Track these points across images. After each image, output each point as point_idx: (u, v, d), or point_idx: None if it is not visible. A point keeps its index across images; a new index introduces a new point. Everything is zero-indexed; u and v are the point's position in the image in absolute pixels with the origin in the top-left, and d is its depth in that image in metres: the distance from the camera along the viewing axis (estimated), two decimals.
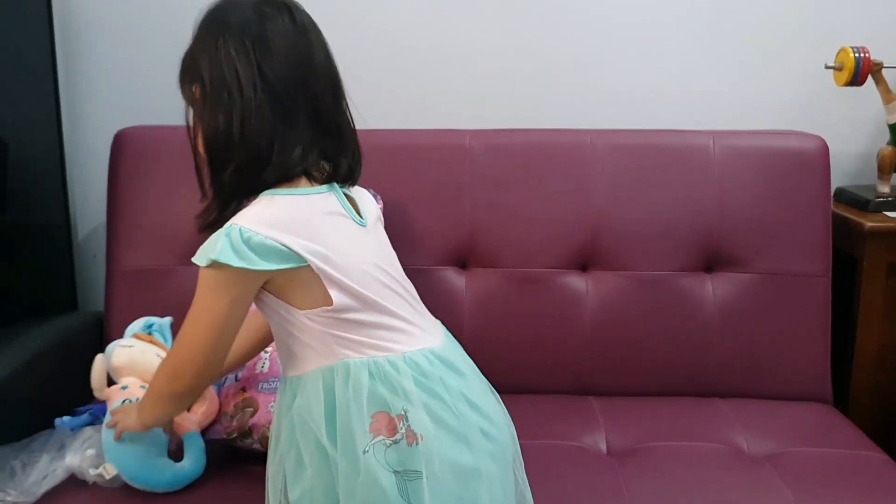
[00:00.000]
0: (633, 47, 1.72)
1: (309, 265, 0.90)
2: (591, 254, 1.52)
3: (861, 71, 1.56)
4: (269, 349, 1.23)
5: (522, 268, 1.52)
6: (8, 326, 1.49)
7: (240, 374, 1.26)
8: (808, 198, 1.51)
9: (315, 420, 0.91)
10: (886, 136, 1.65)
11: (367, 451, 0.88)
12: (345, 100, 0.99)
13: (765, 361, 1.49)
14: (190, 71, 0.96)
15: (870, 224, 1.53)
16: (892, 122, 1.62)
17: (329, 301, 0.91)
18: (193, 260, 0.91)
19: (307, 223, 0.93)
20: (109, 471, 1.14)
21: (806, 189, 1.51)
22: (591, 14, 1.71)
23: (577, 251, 1.52)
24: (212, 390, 1.24)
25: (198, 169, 0.98)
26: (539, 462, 1.16)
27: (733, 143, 1.54)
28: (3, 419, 1.28)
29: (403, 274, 1.02)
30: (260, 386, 1.24)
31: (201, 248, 0.90)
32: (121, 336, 1.30)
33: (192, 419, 1.19)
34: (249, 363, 1.24)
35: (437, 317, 1.05)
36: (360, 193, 1.05)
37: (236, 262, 0.87)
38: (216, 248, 0.88)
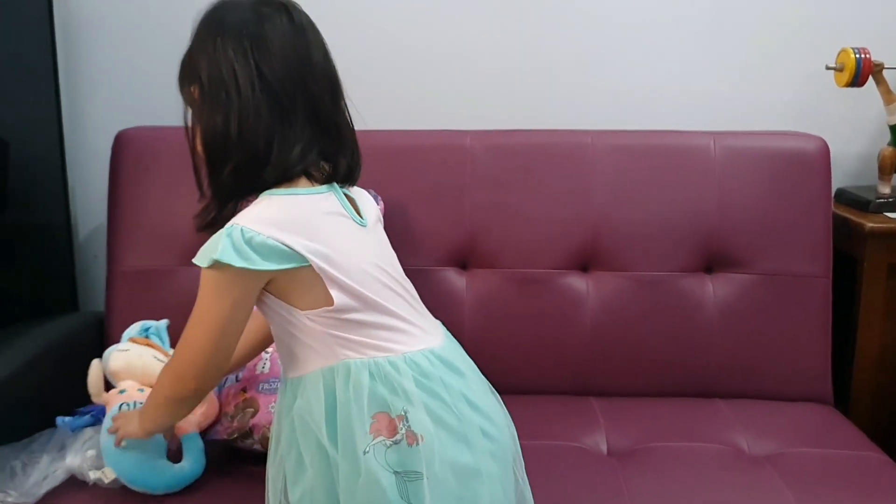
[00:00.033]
0: (634, 48, 1.72)
1: (310, 265, 0.90)
2: (591, 254, 1.52)
3: (862, 72, 1.56)
4: (269, 350, 1.24)
5: (523, 268, 1.52)
6: (8, 326, 1.49)
7: (240, 375, 1.26)
8: (808, 198, 1.50)
9: (315, 421, 0.91)
10: (887, 136, 1.65)
11: (368, 452, 0.88)
12: (343, 99, 0.99)
13: (765, 362, 1.49)
14: (188, 71, 0.96)
15: (870, 225, 1.53)
16: (892, 122, 1.62)
17: (330, 301, 0.91)
18: (194, 261, 0.90)
19: (308, 223, 0.93)
20: (109, 475, 1.14)
21: (806, 190, 1.51)
22: (592, 14, 1.71)
23: (578, 252, 1.52)
24: (211, 391, 1.24)
25: (196, 169, 0.98)
26: (539, 462, 1.16)
27: (734, 144, 1.54)
28: (3, 419, 1.28)
29: (403, 274, 1.02)
30: (260, 386, 1.24)
31: (202, 248, 0.90)
32: (120, 337, 1.30)
33: (192, 420, 1.19)
34: (250, 364, 1.24)
35: (437, 317, 1.05)
36: (359, 194, 1.05)
37: (238, 262, 0.87)
38: (218, 248, 0.88)
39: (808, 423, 1.42)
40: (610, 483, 1.22)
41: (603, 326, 1.50)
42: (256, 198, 0.94)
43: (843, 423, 1.44)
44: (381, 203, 1.45)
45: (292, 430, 0.94)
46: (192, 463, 1.16)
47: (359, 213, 1.00)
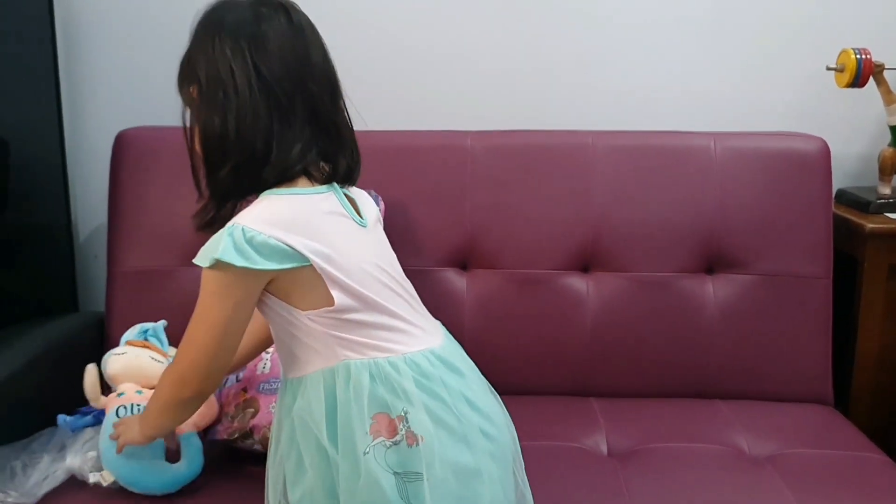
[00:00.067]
0: (635, 48, 1.72)
1: (311, 265, 0.90)
2: (591, 255, 1.52)
3: (862, 72, 1.56)
4: (269, 350, 1.24)
5: (523, 269, 1.52)
6: (9, 327, 1.49)
7: (241, 375, 1.26)
8: (809, 199, 1.50)
9: (316, 421, 0.91)
10: (887, 137, 1.65)
11: (368, 453, 0.88)
12: (342, 99, 1.00)
13: (765, 363, 1.49)
14: (187, 72, 0.96)
15: (871, 225, 1.53)
16: (893, 123, 1.62)
17: (331, 301, 0.91)
18: (195, 261, 0.90)
19: (308, 223, 0.93)
20: (107, 477, 1.14)
21: (807, 190, 1.51)
22: (593, 15, 1.71)
23: (578, 252, 1.52)
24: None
25: (194, 169, 0.98)
26: (540, 463, 1.16)
27: (734, 145, 1.54)
28: (3, 419, 1.28)
29: (403, 274, 1.02)
30: (261, 387, 1.24)
31: (203, 248, 0.90)
32: (120, 339, 1.30)
33: (189, 420, 1.18)
34: (250, 364, 1.24)
35: (437, 318, 1.05)
36: (359, 194, 1.05)
37: (239, 262, 0.87)
38: (219, 247, 0.88)
39: (808, 424, 1.42)
40: (610, 484, 1.22)
41: (603, 327, 1.50)
42: (256, 198, 0.94)
43: (843, 424, 1.43)
44: (382, 203, 1.45)
45: (292, 431, 0.94)
46: (189, 463, 1.16)
47: (359, 214, 1.00)
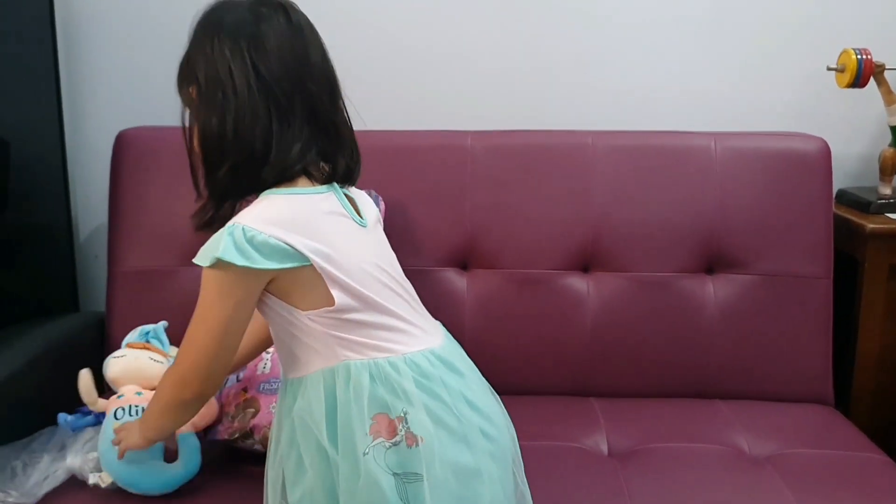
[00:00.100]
0: (634, 48, 1.72)
1: (311, 264, 0.90)
2: (592, 255, 1.52)
3: (863, 72, 1.55)
4: (270, 350, 1.24)
5: (523, 269, 1.52)
6: (9, 327, 1.49)
7: (241, 375, 1.26)
8: (809, 199, 1.50)
9: (316, 422, 0.91)
10: (888, 137, 1.65)
11: (367, 453, 0.88)
12: (342, 99, 0.99)
13: (766, 363, 1.49)
14: (186, 72, 0.96)
15: (871, 226, 1.53)
16: (893, 123, 1.62)
17: (331, 301, 0.91)
18: (195, 261, 0.90)
19: (309, 222, 0.93)
20: (105, 479, 1.14)
21: (807, 191, 1.51)
22: (592, 14, 1.71)
23: (578, 252, 1.52)
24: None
25: (193, 169, 0.98)
26: (540, 463, 1.16)
27: (734, 145, 1.54)
28: (3, 419, 1.28)
29: (403, 275, 1.02)
30: (261, 387, 1.24)
31: (203, 248, 0.90)
32: (122, 338, 1.30)
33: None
34: (251, 364, 1.24)
35: (437, 318, 1.05)
36: (358, 194, 1.05)
37: (240, 261, 0.87)
38: (219, 246, 0.87)
39: (808, 424, 1.42)
40: (610, 484, 1.22)
41: (603, 327, 1.50)
42: (256, 197, 0.94)
43: (843, 424, 1.43)
44: (383, 204, 1.45)
45: (292, 432, 0.94)
46: (186, 463, 1.16)
47: (359, 214, 1.00)
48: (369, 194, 1.11)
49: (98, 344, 1.54)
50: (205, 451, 1.19)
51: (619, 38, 1.72)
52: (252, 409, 1.22)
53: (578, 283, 1.51)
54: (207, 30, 0.95)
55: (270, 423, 1.14)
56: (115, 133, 1.58)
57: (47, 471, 1.19)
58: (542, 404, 1.45)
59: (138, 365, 1.23)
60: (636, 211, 1.51)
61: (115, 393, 1.22)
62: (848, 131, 1.73)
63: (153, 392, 1.08)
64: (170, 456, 1.16)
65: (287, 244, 0.89)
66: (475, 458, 0.92)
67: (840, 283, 1.51)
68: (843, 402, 1.55)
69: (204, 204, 0.96)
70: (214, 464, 1.21)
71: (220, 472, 1.20)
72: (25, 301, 1.59)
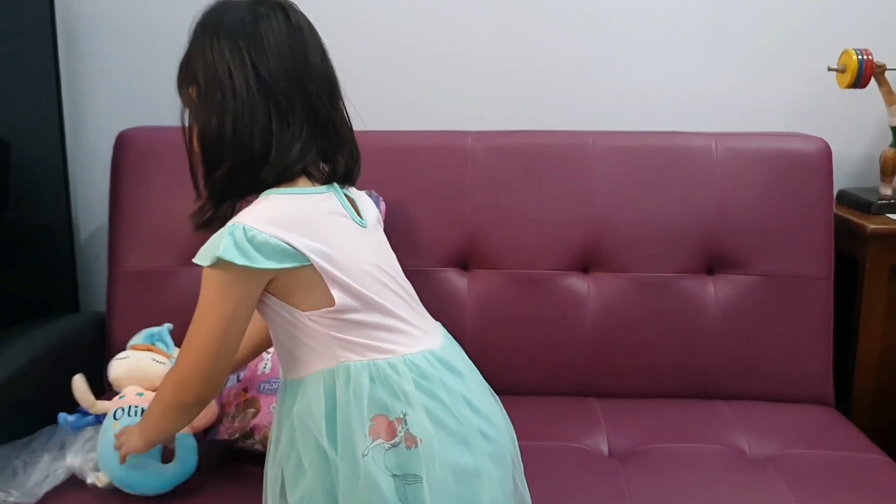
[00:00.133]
0: (635, 48, 1.72)
1: (312, 264, 0.90)
2: (592, 255, 1.52)
3: (864, 73, 1.55)
4: (270, 350, 1.23)
5: (524, 269, 1.51)
6: (9, 327, 1.49)
7: (241, 376, 1.26)
8: (810, 200, 1.50)
9: (315, 422, 0.91)
10: (889, 138, 1.65)
11: (367, 455, 0.88)
12: (341, 99, 0.99)
13: (766, 363, 1.49)
14: (186, 73, 0.96)
15: (872, 226, 1.53)
16: (894, 124, 1.62)
17: (331, 301, 0.91)
18: (195, 260, 0.90)
19: (309, 222, 0.93)
20: (102, 479, 1.14)
21: (808, 191, 1.51)
22: (593, 14, 1.71)
23: (579, 253, 1.52)
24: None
25: (192, 169, 0.98)
26: (540, 463, 1.16)
27: (735, 145, 1.53)
28: (4, 420, 1.28)
29: (403, 276, 1.02)
30: (261, 387, 1.24)
31: (203, 248, 0.90)
32: (123, 338, 1.30)
33: None
34: (251, 364, 1.24)
35: (438, 318, 1.04)
36: (359, 195, 1.05)
37: (240, 261, 0.87)
38: (220, 246, 0.87)
39: (809, 425, 1.42)
40: (611, 484, 1.22)
41: (604, 327, 1.50)
42: (256, 197, 0.94)
43: (844, 425, 1.43)
44: (384, 204, 1.45)
45: (292, 433, 0.93)
46: (181, 463, 1.15)
47: (359, 214, 1.00)
48: (370, 195, 1.11)
49: (98, 344, 1.55)
50: (205, 451, 1.19)
51: (620, 38, 1.72)
52: (252, 410, 1.22)
53: (579, 283, 1.51)
54: (207, 30, 0.95)
55: (271, 423, 1.14)
56: (116, 133, 1.58)
57: (47, 470, 1.19)
58: (542, 404, 1.45)
59: (141, 366, 1.23)
60: (637, 211, 1.51)
61: (117, 394, 1.22)
62: (849, 132, 1.73)
63: (154, 393, 1.08)
64: (167, 456, 1.16)
65: (287, 244, 0.89)
66: (475, 460, 0.92)
67: (841, 284, 1.51)
68: (844, 402, 1.55)
69: (203, 204, 0.96)
70: (214, 464, 1.21)
71: (220, 472, 1.20)
72: (26, 301, 1.59)
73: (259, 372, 1.26)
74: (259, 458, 1.06)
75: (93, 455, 1.17)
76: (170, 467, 1.15)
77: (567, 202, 1.52)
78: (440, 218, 1.53)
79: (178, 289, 1.50)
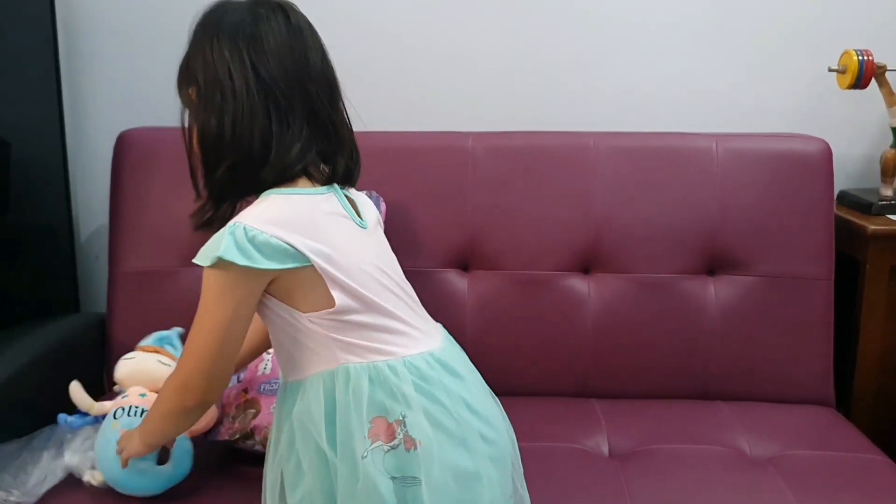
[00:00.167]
0: (635, 49, 1.72)
1: (312, 265, 0.90)
2: (593, 256, 1.52)
3: (864, 74, 1.55)
4: (270, 351, 1.23)
5: (524, 270, 1.51)
6: (10, 327, 1.49)
7: (242, 376, 1.26)
8: (810, 201, 1.50)
9: (315, 424, 0.91)
10: (889, 139, 1.65)
11: (366, 457, 0.88)
12: (341, 100, 0.99)
13: (767, 364, 1.49)
14: (186, 74, 0.96)
15: (873, 227, 1.53)
16: (895, 124, 1.62)
17: (331, 303, 0.91)
18: (195, 261, 0.90)
19: (309, 223, 0.93)
20: (97, 477, 1.14)
21: (809, 192, 1.50)
22: (593, 15, 1.71)
23: (580, 254, 1.52)
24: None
25: (192, 170, 0.98)
26: (541, 464, 1.16)
27: (736, 146, 1.53)
28: (4, 420, 1.28)
29: (403, 277, 1.02)
30: (262, 387, 1.24)
31: (203, 248, 0.90)
32: (123, 339, 1.30)
33: None
34: (251, 365, 1.24)
35: (438, 319, 1.04)
36: (359, 196, 1.04)
37: (241, 261, 0.87)
38: (220, 246, 0.87)
39: (809, 426, 1.42)
40: (611, 485, 1.22)
41: (604, 328, 1.49)
42: (256, 198, 0.94)
43: (844, 426, 1.43)
44: (384, 205, 1.45)
45: (292, 435, 0.93)
46: (176, 464, 1.15)
47: (359, 215, 1.00)
48: (370, 195, 1.11)
49: (99, 344, 1.55)
50: (205, 452, 1.19)
51: (620, 38, 1.72)
52: (253, 410, 1.22)
53: (579, 284, 1.51)
54: (207, 31, 0.95)
55: (271, 424, 1.14)
56: (116, 133, 1.58)
57: (47, 469, 1.19)
58: (542, 405, 1.45)
59: (146, 367, 1.24)
60: (637, 212, 1.51)
61: (119, 394, 1.23)
62: (849, 132, 1.73)
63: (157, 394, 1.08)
64: (163, 457, 1.16)
65: (288, 244, 0.89)
66: (474, 462, 0.92)
67: (841, 285, 1.51)
68: (845, 403, 1.55)
69: (203, 204, 0.96)
70: (215, 464, 1.21)
71: (220, 472, 1.20)
72: (26, 301, 1.59)
73: (259, 373, 1.26)
74: (259, 459, 1.06)
75: (90, 454, 1.17)
76: (165, 469, 1.14)
77: (567, 203, 1.52)
78: (440, 219, 1.52)
79: (178, 289, 1.50)
